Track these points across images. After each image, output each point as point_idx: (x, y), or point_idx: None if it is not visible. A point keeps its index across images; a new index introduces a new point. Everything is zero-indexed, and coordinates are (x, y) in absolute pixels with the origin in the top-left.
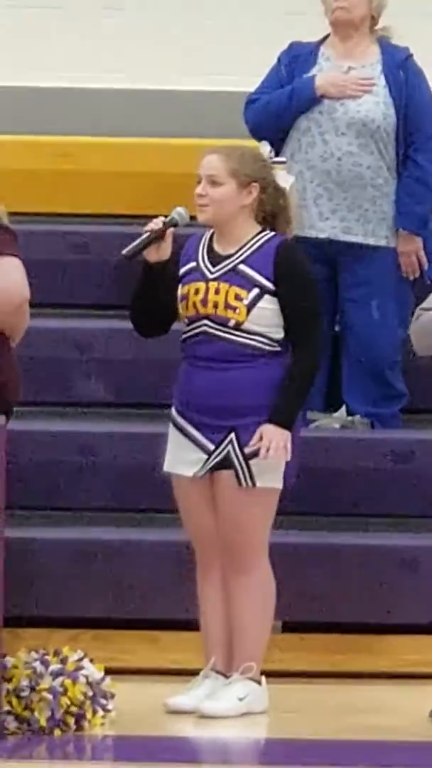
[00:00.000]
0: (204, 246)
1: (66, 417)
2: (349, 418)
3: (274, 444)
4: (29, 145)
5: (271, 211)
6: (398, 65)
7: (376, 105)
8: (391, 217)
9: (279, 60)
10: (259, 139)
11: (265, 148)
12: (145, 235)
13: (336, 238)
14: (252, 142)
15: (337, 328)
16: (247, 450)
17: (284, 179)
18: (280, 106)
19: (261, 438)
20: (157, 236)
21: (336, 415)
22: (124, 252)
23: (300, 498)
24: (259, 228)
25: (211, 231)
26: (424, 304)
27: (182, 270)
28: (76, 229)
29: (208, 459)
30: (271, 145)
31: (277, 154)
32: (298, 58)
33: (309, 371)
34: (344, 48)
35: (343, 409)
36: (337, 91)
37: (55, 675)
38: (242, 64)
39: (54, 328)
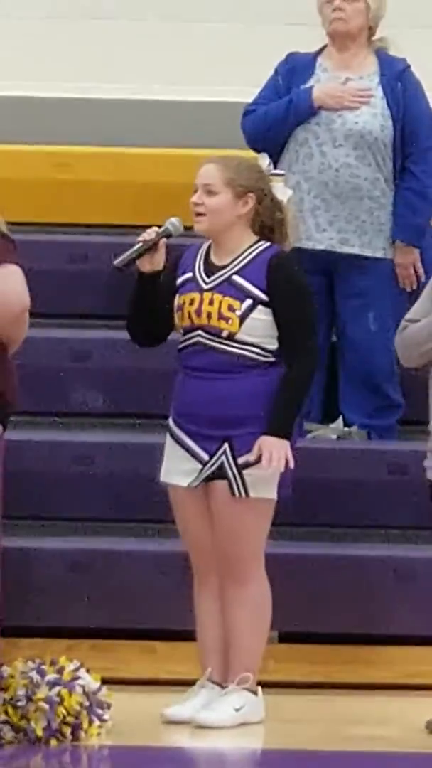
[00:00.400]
0: (201, 257)
1: (63, 427)
2: (346, 429)
3: (275, 455)
4: (27, 155)
5: (269, 223)
6: (396, 76)
7: (373, 116)
8: (388, 229)
9: (276, 71)
10: (257, 149)
11: (264, 161)
12: (137, 246)
13: (333, 250)
14: (250, 153)
15: (334, 339)
16: (241, 460)
17: (282, 192)
18: (278, 117)
19: (260, 452)
20: (150, 247)
21: (333, 426)
22: (115, 262)
23: (296, 509)
24: (256, 239)
25: (209, 242)
26: (408, 315)
27: (179, 280)
28: (73, 239)
29: (202, 469)
30: (269, 156)
31: (274, 165)
32: (295, 69)
33: (304, 380)
34: (342, 59)
35: (340, 420)
36: (335, 103)
37: (52, 685)
38: (241, 75)
39: (51, 338)
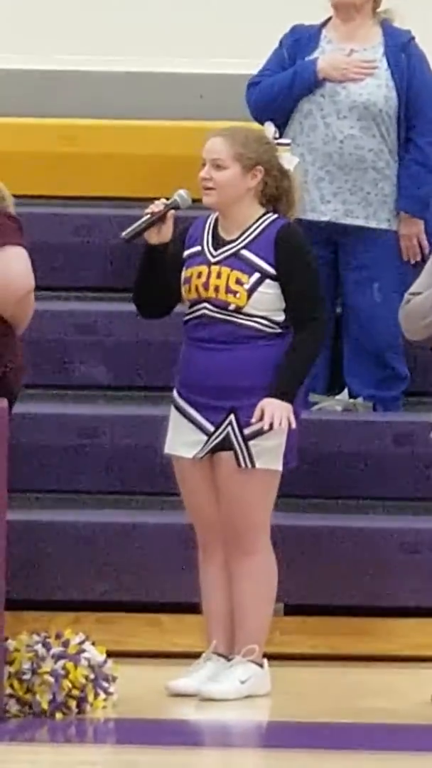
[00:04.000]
0: (208, 230)
1: (68, 399)
2: (351, 400)
3: (277, 415)
4: (31, 128)
5: (275, 193)
6: (400, 48)
7: (378, 88)
8: (392, 200)
9: (281, 43)
10: (261, 121)
11: (269, 129)
12: (145, 217)
13: (337, 221)
14: (256, 124)
15: (338, 311)
16: (247, 431)
17: (288, 161)
18: (282, 89)
19: (262, 413)
20: (158, 218)
21: (338, 397)
22: (123, 234)
23: (302, 480)
24: (263, 211)
25: (216, 214)
26: (412, 289)
27: (186, 253)
28: (78, 211)
29: (207, 440)
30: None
31: (279, 137)
32: (300, 41)
33: (311, 349)
34: (346, 30)
35: (345, 391)
36: (339, 74)
37: (57, 658)
38: (245, 47)
39: (56, 311)
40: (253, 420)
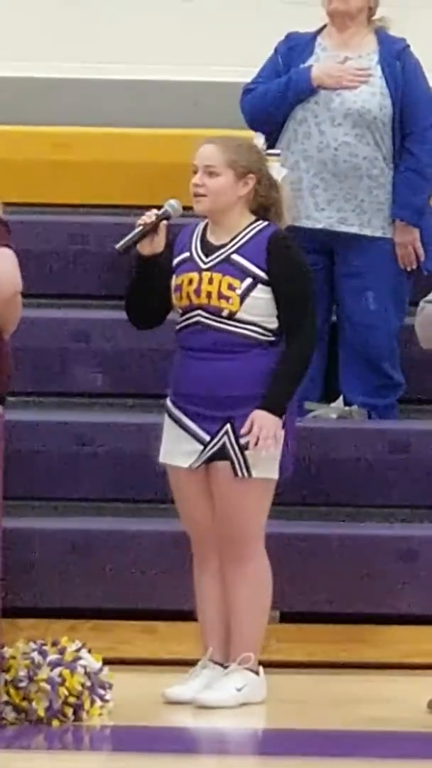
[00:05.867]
0: (197, 236)
1: (63, 407)
2: (347, 408)
3: (264, 433)
4: (25, 136)
5: (265, 202)
6: (395, 56)
7: (372, 95)
8: (387, 208)
9: (276, 50)
10: (256, 128)
11: (259, 140)
12: (138, 229)
13: (332, 229)
14: (248, 133)
15: (333, 319)
16: (243, 440)
17: (277, 171)
18: (277, 96)
19: (251, 425)
20: (150, 229)
21: (333, 405)
22: (117, 246)
23: (297, 488)
24: (253, 218)
25: (205, 221)
26: (429, 297)
27: (175, 261)
28: (72, 219)
29: (203, 450)
30: (268, 135)
31: (273, 144)
32: (295, 49)
33: (302, 358)
34: (341, 38)
35: (341, 399)
36: (334, 82)
37: (53, 665)
38: (239, 55)
39: (52, 318)
40: (242, 432)
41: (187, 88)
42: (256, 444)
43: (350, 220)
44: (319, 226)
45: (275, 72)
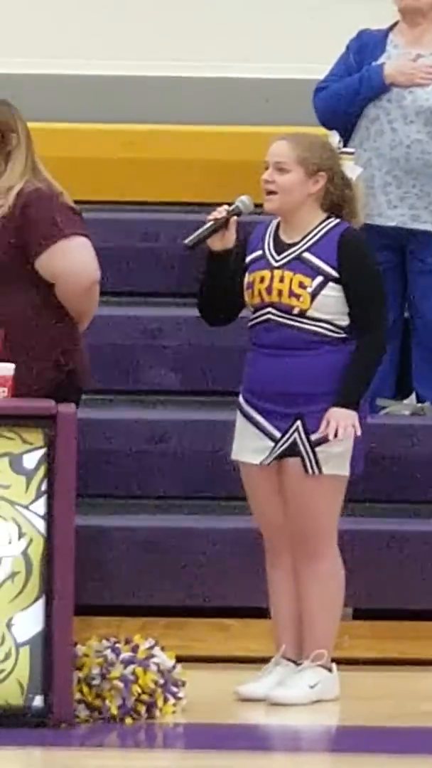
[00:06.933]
0: (270, 234)
1: (137, 405)
2: (419, 405)
3: (342, 425)
4: (95, 134)
5: (338, 201)
6: None
7: None
8: None
9: (348, 48)
10: (328, 126)
11: (334, 139)
12: (208, 224)
13: (404, 226)
14: (320, 130)
15: (406, 316)
16: (313, 437)
17: (351, 170)
18: (349, 94)
19: (328, 423)
20: (221, 225)
21: (406, 402)
22: (186, 241)
23: (370, 485)
24: (324, 216)
25: (278, 220)
26: None
27: (248, 258)
28: (143, 217)
29: (274, 446)
30: (340, 133)
31: (346, 142)
32: (366, 46)
33: (374, 354)
34: (413, 35)
35: (413, 396)
36: (406, 79)
37: (126, 663)
38: (313, 52)
39: (125, 316)
40: (320, 431)
41: (258, 85)
42: (335, 435)
43: (423, 217)
44: (392, 223)
45: (347, 70)
